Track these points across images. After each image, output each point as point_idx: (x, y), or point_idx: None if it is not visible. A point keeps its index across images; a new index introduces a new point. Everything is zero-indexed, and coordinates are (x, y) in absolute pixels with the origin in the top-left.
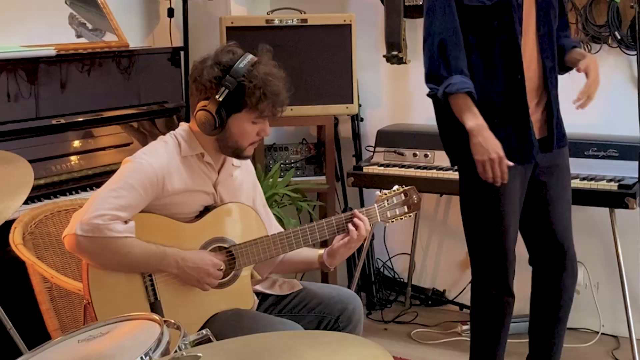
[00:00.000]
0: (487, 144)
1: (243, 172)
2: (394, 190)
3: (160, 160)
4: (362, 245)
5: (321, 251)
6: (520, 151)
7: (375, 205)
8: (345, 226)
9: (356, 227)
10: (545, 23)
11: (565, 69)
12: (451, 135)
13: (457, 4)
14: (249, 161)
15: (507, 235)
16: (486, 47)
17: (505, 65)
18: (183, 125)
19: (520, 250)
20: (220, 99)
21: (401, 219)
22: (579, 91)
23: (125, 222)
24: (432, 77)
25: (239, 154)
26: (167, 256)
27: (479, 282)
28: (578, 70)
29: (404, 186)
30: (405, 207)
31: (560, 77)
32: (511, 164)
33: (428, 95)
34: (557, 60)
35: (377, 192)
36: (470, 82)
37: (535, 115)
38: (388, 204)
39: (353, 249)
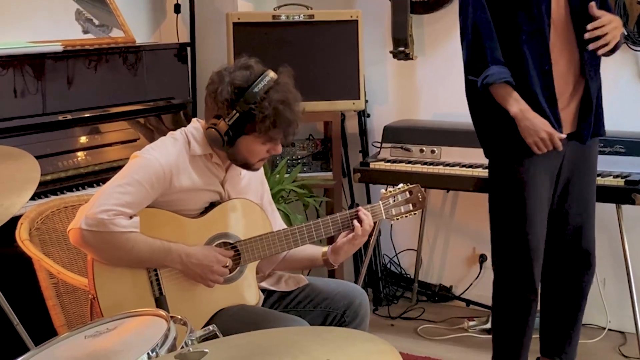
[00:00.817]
0: (535, 125)
1: None
2: (399, 188)
3: (168, 156)
4: (369, 241)
5: (325, 248)
6: None
7: (380, 202)
8: (350, 223)
9: (360, 221)
10: (580, 14)
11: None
12: (485, 126)
13: None
14: None
15: (532, 230)
16: (512, 39)
17: (533, 57)
18: (195, 123)
19: None
20: (230, 123)
21: (406, 216)
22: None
23: (130, 218)
24: (471, 68)
25: (248, 167)
26: (172, 252)
27: (501, 279)
28: (591, 12)
29: (409, 184)
30: (410, 204)
31: None
32: (564, 135)
33: (468, 84)
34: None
35: (382, 190)
36: (507, 71)
37: (569, 108)
38: (393, 201)
39: (357, 246)
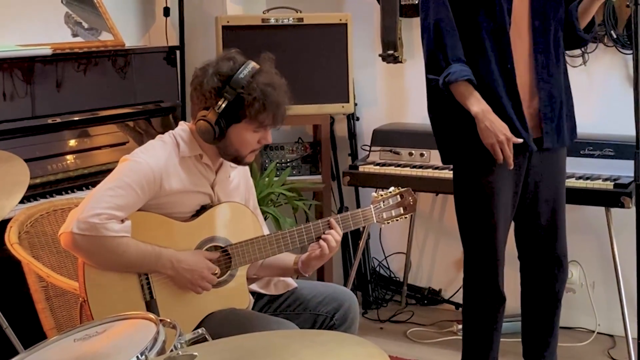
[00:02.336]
0: (494, 127)
1: (240, 172)
2: (390, 192)
3: (158, 159)
4: (358, 244)
5: (296, 258)
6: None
7: (371, 206)
8: (339, 224)
9: (325, 240)
10: (540, 16)
11: (576, 41)
12: (444, 131)
13: None
14: None
15: (496, 233)
16: (476, 37)
17: (495, 55)
18: (182, 125)
19: (512, 249)
20: (220, 111)
21: (397, 220)
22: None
23: (122, 221)
24: (432, 67)
25: (239, 161)
26: (163, 257)
27: (469, 281)
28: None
29: (400, 187)
30: (401, 208)
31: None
32: (519, 140)
33: (429, 85)
34: (556, 48)
35: (373, 194)
36: (469, 69)
37: (530, 110)
38: (384, 205)
39: (326, 259)
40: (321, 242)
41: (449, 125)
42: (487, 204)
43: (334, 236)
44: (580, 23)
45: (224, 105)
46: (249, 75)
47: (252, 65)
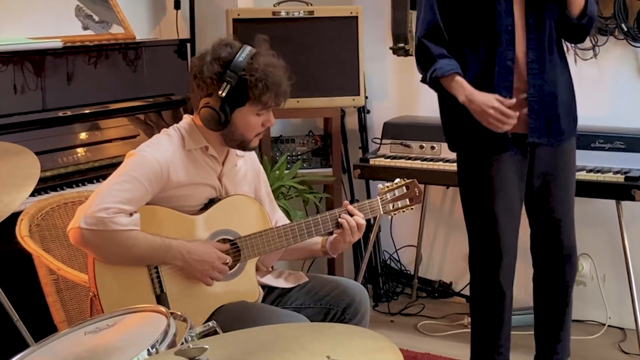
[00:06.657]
0: (480, 105)
1: (247, 161)
2: (396, 183)
3: (165, 153)
4: (369, 237)
5: (324, 239)
6: (500, 139)
7: (378, 197)
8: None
9: (347, 221)
10: (536, 13)
11: (577, 31)
12: (449, 119)
13: None
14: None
15: (498, 225)
16: (471, 38)
17: (487, 55)
18: (186, 119)
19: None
20: (223, 95)
21: (403, 211)
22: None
23: (130, 215)
24: (420, 64)
25: (244, 147)
26: (172, 248)
27: (472, 273)
28: None
29: (405, 179)
30: (407, 199)
31: None
32: (513, 100)
33: (421, 81)
34: (551, 44)
35: (380, 185)
36: (455, 63)
37: (521, 104)
38: (390, 196)
39: (352, 242)
40: (340, 219)
41: (453, 115)
42: (488, 194)
43: (357, 220)
44: (571, 12)
45: (227, 90)
46: (248, 57)
47: (249, 48)
